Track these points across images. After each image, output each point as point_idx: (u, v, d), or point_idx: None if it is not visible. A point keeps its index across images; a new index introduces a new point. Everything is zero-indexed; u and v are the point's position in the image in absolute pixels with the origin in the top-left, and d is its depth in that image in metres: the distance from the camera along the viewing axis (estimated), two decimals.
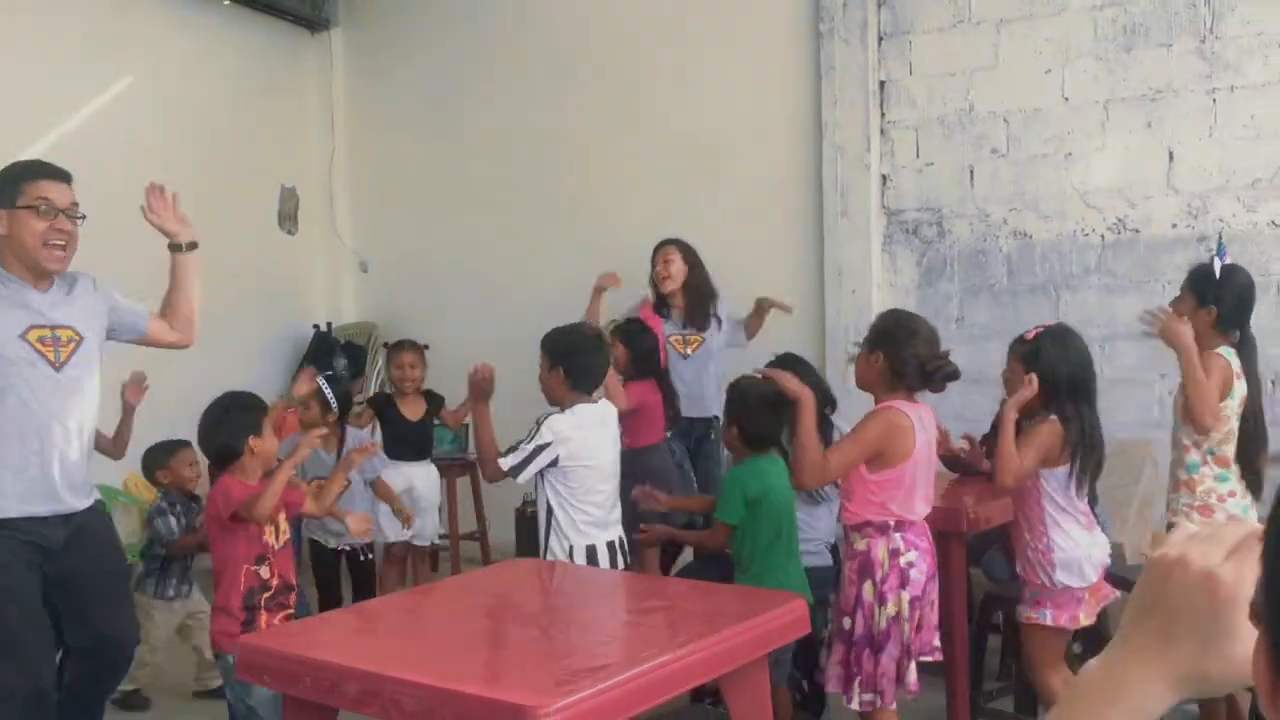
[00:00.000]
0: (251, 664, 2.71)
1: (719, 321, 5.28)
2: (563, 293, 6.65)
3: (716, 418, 4.92)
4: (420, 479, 5.04)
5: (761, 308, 5.29)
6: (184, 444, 4.43)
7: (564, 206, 6.74)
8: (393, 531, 4.87)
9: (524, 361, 6.25)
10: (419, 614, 3.04)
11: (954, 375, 3.24)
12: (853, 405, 5.50)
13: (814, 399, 3.22)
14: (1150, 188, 5.20)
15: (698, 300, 5.19)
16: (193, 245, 3.40)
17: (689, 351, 5.13)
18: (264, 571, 3.22)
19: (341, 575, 4.79)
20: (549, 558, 3.54)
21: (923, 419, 3.21)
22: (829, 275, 5.89)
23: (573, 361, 3.60)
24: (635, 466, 4.14)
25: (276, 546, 3.27)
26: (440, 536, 6.50)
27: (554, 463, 3.47)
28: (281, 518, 3.32)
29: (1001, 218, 5.53)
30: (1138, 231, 5.24)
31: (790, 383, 3.28)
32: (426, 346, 5.44)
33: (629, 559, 3.67)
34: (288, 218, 7.43)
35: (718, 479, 4.92)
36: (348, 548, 4.71)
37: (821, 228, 5.92)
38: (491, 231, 6.97)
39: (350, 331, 7.33)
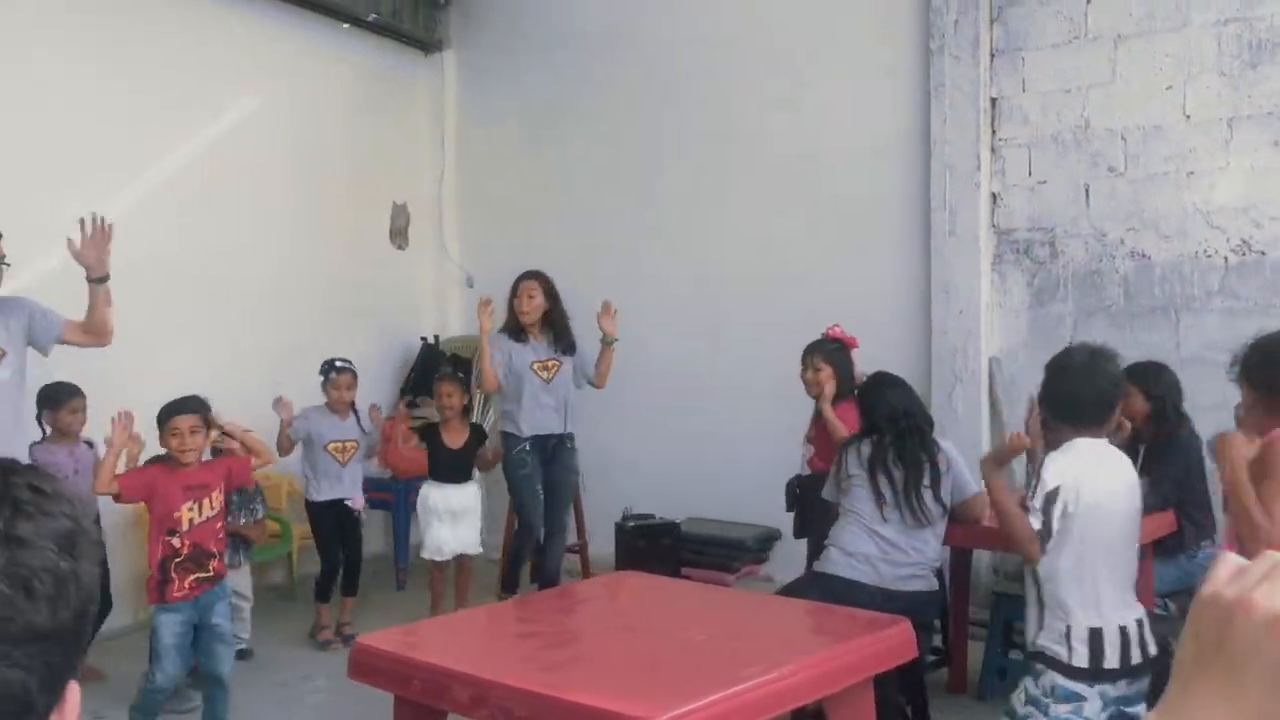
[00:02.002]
0: (363, 664, 2.79)
1: (575, 351, 5.59)
2: (665, 311, 6.71)
3: (569, 434, 5.54)
4: (458, 500, 5.55)
5: (606, 346, 5.53)
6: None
7: (666, 226, 6.78)
8: (447, 549, 5.50)
9: (626, 379, 6.34)
10: (526, 622, 3.09)
11: None
12: (959, 430, 5.44)
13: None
14: (1277, 208, 5.00)
15: (556, 330, 5.52)
16: (104, 279, 3.95)
17: (548, 376, 5.48)
18: (175, 541, 3.82)
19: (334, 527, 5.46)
20: (1041, 642, 2.88)
21: None
22: (935, 294, 5.80)
23: (1050, 390, 3.00)
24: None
25: (195, 520, 3.85)
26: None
27: (1063, 514, 2.83)
28: (215, 495, 3.90)
29: (1119, 237, 5.38)
30: (1264, 253, 5.04)
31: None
32: (468, 376, 5.79)
33: (1147, 650, 2.90)
34: (399, 233, 7.64)
35: (565, 485, 5.61)
36: (348, 502, 5.42)
37: (929, 247, 5.84)
38: (592, 249, 7.04)
39: (456, 345, 7.48)
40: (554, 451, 5.54)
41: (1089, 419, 2.90)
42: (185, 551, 3.83)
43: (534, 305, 5.46)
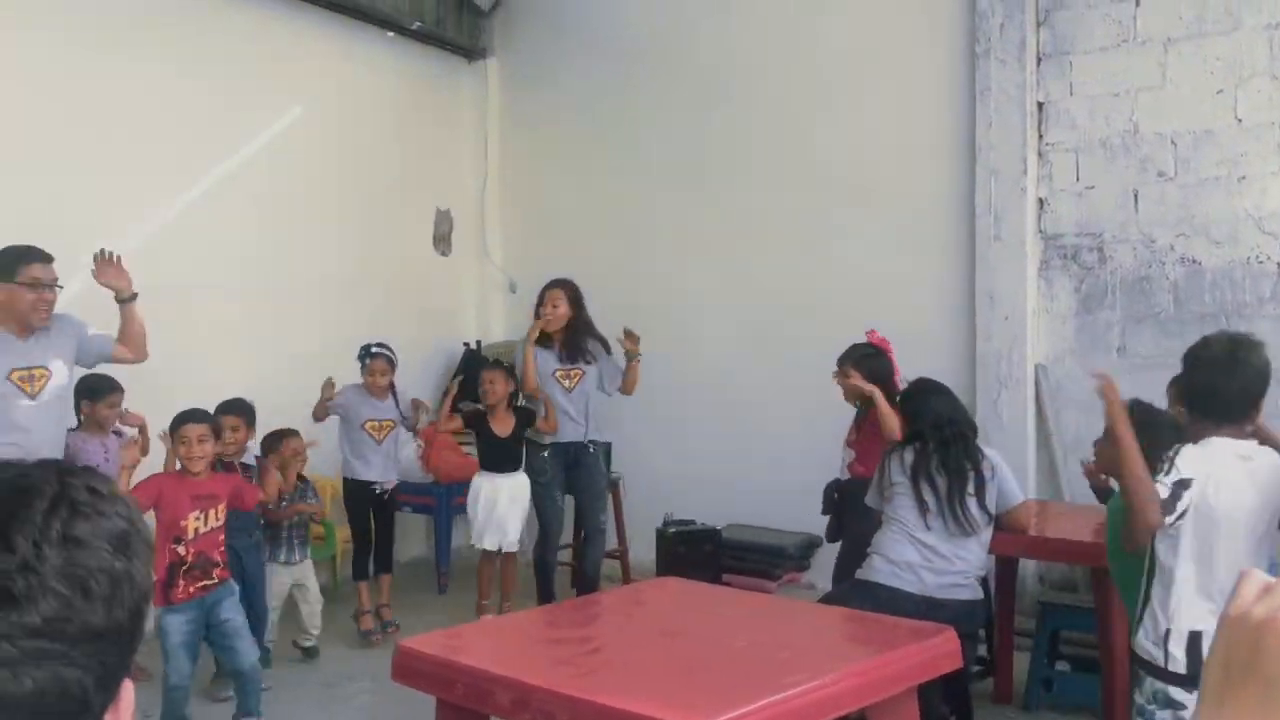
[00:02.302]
0: (407, 667, 2.81)
1: (599, 359, 5.64)
2: (706, 315, 6.71)
3: (592, 441, 5.61)
4: (507, 489, 5.55)
5: (630, 360, 5.57)
6: (293, 432, 5.13)
7: (708, 230, 6.78)
8: (490, 542, 5.53)
9: (667, 385, 6.35)
10: (568, 627, 3.10)
11: None
12: (1004, 437, 5.38)
13: None
14: None
15: (579, 338, 5.57)
16: (133, 297, 4.22)
17: (570, 385, 5.55)
18: (181, 549, 3.93)
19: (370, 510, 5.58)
20: (1141, 636, 2.74)
21: None
22: (980, 300, 5.74)
23: (1187, 382, 2.83)
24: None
25: (201, 530, 3.98)
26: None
27: (1187, 512, 2.66)
28: (221, 507, 4.05)
29: (1168, 243, 5.30)
30: None
31: None
32: (511, 366, 5.75)
33: None
34: (442, 239, 7.69)
35: (595, 488, 5.66)
36: (376, 485, 5.51)
37: (974, 252, 5.78)
38: (634, 254, 7.05)
39: (499, 350, 7.51)
40: (576, 457, 5.61)
41: (1229, 414, 2.72)
42: (190, 560, 3.94)
43: (558, 314, 5.53)
